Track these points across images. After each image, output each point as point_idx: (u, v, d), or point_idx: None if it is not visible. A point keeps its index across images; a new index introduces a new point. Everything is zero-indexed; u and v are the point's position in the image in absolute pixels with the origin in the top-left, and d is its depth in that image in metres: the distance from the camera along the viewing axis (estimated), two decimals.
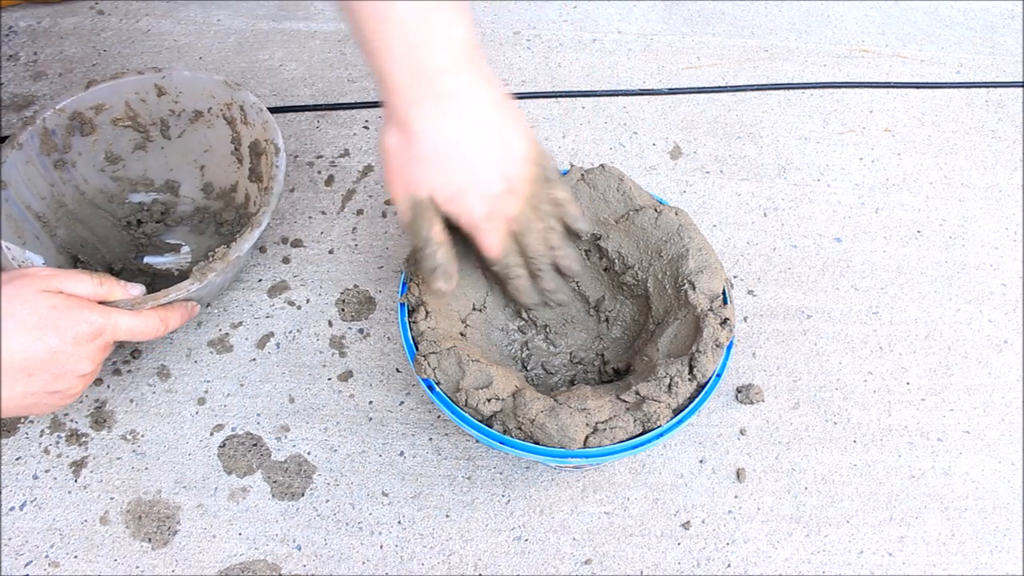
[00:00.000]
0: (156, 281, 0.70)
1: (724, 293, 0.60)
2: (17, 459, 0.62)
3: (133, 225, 0.72)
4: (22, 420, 0.64)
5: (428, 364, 0.56)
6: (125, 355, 0.67)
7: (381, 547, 0.60)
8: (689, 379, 0.56)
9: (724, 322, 0.58)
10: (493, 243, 0.56)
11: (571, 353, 0.66)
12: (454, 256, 0.56)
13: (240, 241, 0.60)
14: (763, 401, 0.68)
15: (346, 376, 0.67)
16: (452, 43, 0.51)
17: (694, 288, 0.59)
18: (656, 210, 0.63)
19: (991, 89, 0.91)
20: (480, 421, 0.55)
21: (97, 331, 0.53)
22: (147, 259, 0.71)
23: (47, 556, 0.58)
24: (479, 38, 0.52)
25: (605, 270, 0.67)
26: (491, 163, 0.53)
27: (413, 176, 0.53)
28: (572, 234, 0.67)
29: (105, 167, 0.71)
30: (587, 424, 0.54)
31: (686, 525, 0.62)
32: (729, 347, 0.58)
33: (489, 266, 0.60)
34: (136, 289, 0.57)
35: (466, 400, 0.55)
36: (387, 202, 0.77)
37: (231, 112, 0.69)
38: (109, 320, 0.54)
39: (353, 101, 0.85)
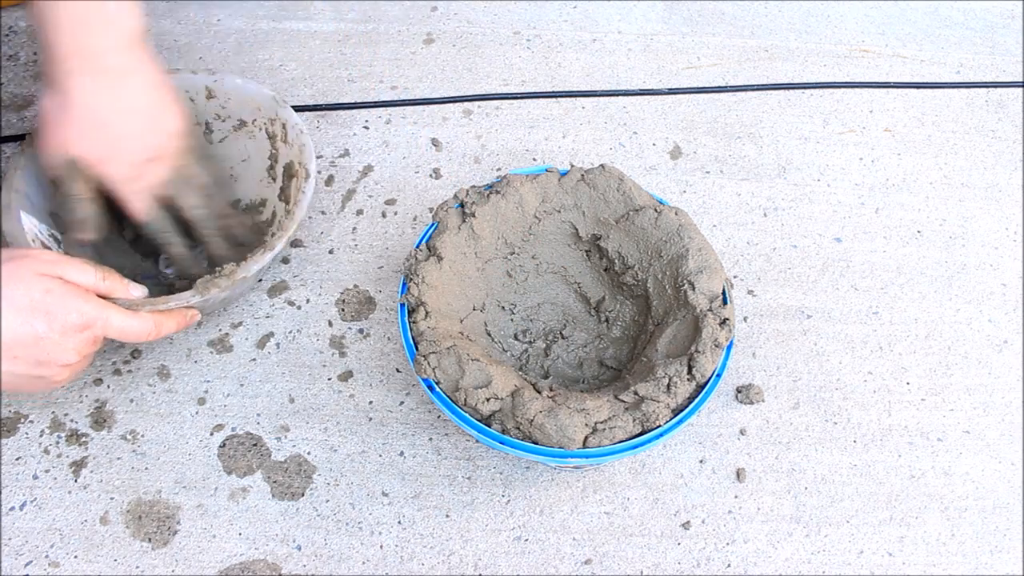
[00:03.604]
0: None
1: (724, 293, 0.60)
2: (17, 459, 0.62)
3: None
4: (22, 420, 0.64)
5: (428, 364, 0.56)
6: (125, 355, 0.67)
7: (381, 547, 0.60)
8: (688, 379, 0.56)
9: (723, 322, 0.58)
10: (137, 207, 0.62)
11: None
12: (99, 212, 0.62)
13: (250, 262, 0.60)
14: (763, 401, 0.68)
15: (346, 376, 0.67)
16: (119, 29, 0.58)
17: (694, 288, 0.59)
18: (656, 210, 0.63)
19: (991, 89, 0.91)
20: (479, 421, 0.55)
21: (87, 323, 0.53)
22: (162, 264, 0.71)
23: (47, 556, 0.58)
24: (147, 29, 0.61)
25: (605, 270, 0.67)
26: (137, 134, 0.60)
27: (65, 138, 0.58)
28: (572, 235, 0.67)
29: None
30: (586, 424, 0.54)
31: (686, 525, 0.62)
32: (729, 347, 0.58)
33: (142, 232, 0.65)
34: (138, 290, 0.57)
35: (465, 400, 0.55)
36: (387, 202, 0.78)
37: (273, 128, 0.69)
38: (102, 314, 0.53)
39: (353, 101, 0.85)
